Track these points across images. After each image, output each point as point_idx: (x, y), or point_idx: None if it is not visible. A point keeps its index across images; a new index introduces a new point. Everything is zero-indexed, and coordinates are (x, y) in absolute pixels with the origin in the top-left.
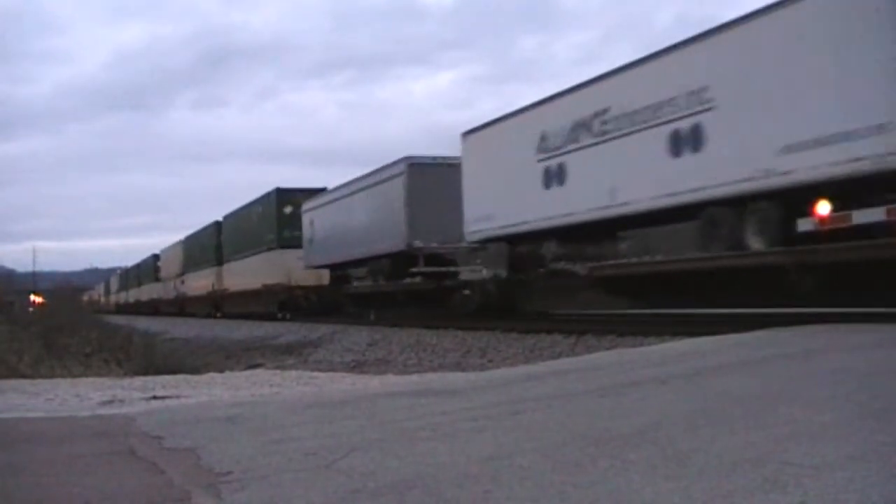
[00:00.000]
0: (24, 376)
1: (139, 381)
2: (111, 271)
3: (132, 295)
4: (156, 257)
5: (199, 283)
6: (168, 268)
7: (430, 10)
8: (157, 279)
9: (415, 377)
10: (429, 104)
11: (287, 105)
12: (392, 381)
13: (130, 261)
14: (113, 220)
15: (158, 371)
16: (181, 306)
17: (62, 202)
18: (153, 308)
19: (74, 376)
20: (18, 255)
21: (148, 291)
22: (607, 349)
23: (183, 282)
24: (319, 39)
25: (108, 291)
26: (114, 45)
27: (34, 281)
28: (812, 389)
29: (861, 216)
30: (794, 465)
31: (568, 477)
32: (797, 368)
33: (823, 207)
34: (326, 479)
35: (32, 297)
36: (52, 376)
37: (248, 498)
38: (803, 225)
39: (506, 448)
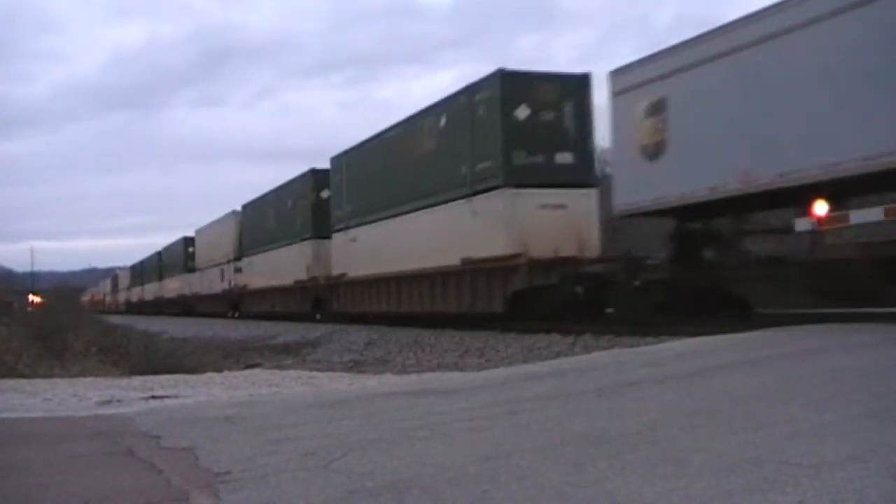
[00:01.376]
0: (22, 376)
1: (137, 380)
2: (110, 271)
3: (149, 291)
4: (187, 241)
5: (273, 270)
6: (209, 252)
7: (429, 10)
8: (190, 269)
9: (413, 377)
10: (428, 103)
11: (286, 104)
12: (390, 380)
13: (129, 260)
14: (112, 220)
15: (157, 371)
16: (235, 303)
17: (60, 202)
18: (183, 307)
19: (73, 376)
20: (17, 254)
21: (174, 285)
22: (605, 349)
23: (239, 269)
24: (318, 38)
25: (115, 288)
26: (112, 45)
27: (33, 281)
28: (811, 389)
29: (859, 216)
30: (793, 465)
31: (566, 477)
32: (796, 368)
33: (821, 207)
34: (325, 479)
35: (31, 297)
36: (50, 376)
37: (247, 498)
38: (801, 224)
39: (504, 448)
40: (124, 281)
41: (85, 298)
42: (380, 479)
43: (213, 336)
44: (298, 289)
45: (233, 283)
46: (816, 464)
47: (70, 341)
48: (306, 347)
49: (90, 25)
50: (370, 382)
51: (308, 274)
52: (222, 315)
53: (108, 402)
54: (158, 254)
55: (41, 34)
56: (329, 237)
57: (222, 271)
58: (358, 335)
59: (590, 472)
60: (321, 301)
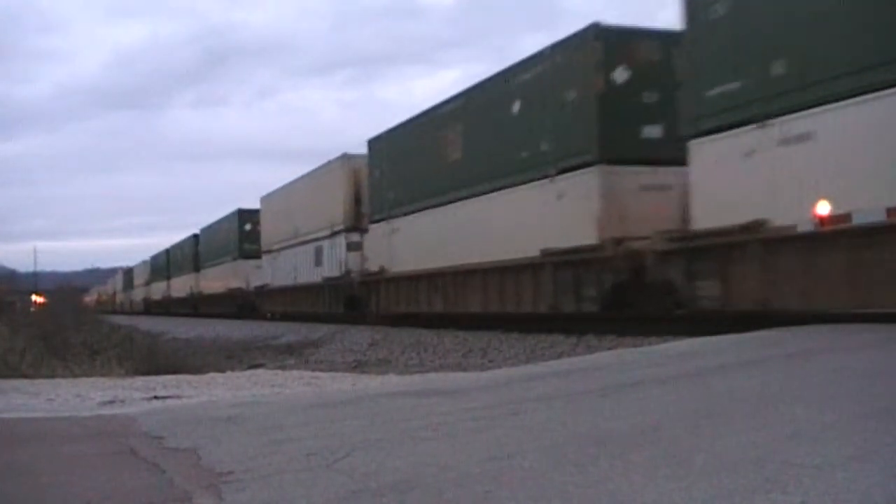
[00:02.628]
0: (25, 376)
1: (140, 380)
2: (112, 271)
3: (179, 286)
4: (243, 215)
5: (460, 239)
6: (291, 225)
7: (430, 9)
8: (247, 253)
9: (416, 377)
10: (430, 103)
11: (287, 104)
12: (393, 381)
13: (131, 261)
14: (113, 220)
15: (159, 371)
16: (353, 299)
17: (62, 202)
18: (238, 305)
19: (76, 376)
20: (19, 255)
21: (219, 278)
22: (608, 349)
23: (355, 245)
24: (320, 38)
25: (128, 285)
26: (114, 45)
27: (35, 281)
28: (813, 389)
29: (861, 216)
30: (796, 464)
31: (569, 477)
32: (798, 368)
33: (823, 207)
34: (328, 480)
35: (34, 297)
36: (53, 376)
37: (249, 498)
38: (803, 225)
39: (507, 448)
40: (141, 276)
41: (91, 298)
42: (383, 480)
43: (216, 336)
44: (552, 265)
45: (346, 268)
46: (819, 464)
47: (73, 341)
48: (309, 348)
49: (92, 25)
50: (373, 383)
51: (599, 234)
52: (322, 318)
53: (111, 402)
54: (195, 237)
55: (43, 34)
56: (654, 162)
57: (318, 251)
58: (360, 335)
59: (592, 472)
60: (652, 290)
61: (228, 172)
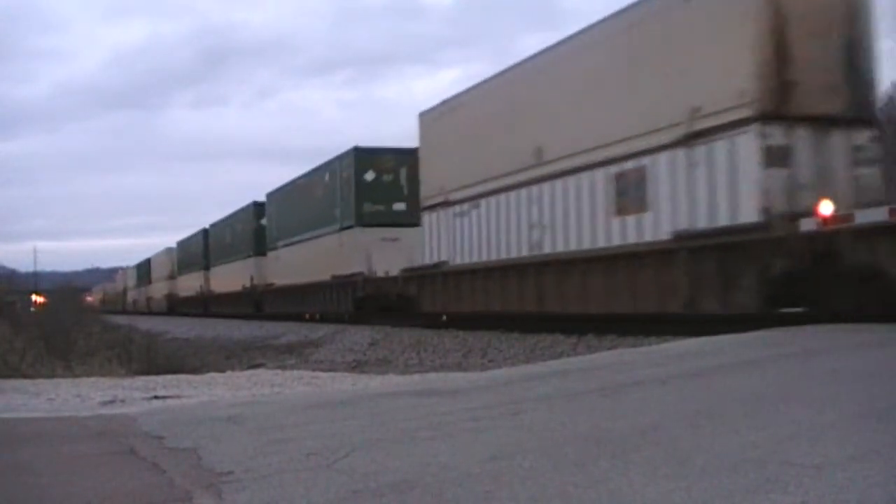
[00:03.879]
0: (25, 376)
1: (140, 380)
2: (113, 271)
3: (225, 278)
4: (361, 159)
5: None
6: (505, 148)
7: (430, 9)
8: (364, 221)
9: (416, 377)
10: (430, 103)
11: (287, 103)
12: (393, 380)
13: (131, 261)
14: (113, 220)
15: (159, 371)
16: (839, 278)
17: (62, 202)
18: (352, 298)
19: (76, 376)
20: (19, 255)
21: (303, 264)
22: (608, 349)
23: (780, 152)
24: (320, 38)
25: (144, 280)
26: (113, 44)
27: (35, 281)
28: (813, 389)
29: (863, 216)
30: (796, 464)
31: (569, 477)
32: (798, 368)
33: (826, 207)
34: (328, 479)
35: (34, 297)
36: (53, 376)
37: (250, 498)
38: (806, 224)
39: (507, 448)
40: (163, 267)
41: (94, 297)
42: (383, 479)
43: (216, 336)
44: None
45: (765, 204)
46: (819, 464)
47: (73, 341)
48: (309, 347)
49: (91, 25)
50: (373, 382)
51: None
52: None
53: (111, 402)
54: (255, 205)
55: (42, 33)
56: None
57: (631, 180)
58: (361, 335)
59: (593, 471)
60: None
61: (228, 172)
